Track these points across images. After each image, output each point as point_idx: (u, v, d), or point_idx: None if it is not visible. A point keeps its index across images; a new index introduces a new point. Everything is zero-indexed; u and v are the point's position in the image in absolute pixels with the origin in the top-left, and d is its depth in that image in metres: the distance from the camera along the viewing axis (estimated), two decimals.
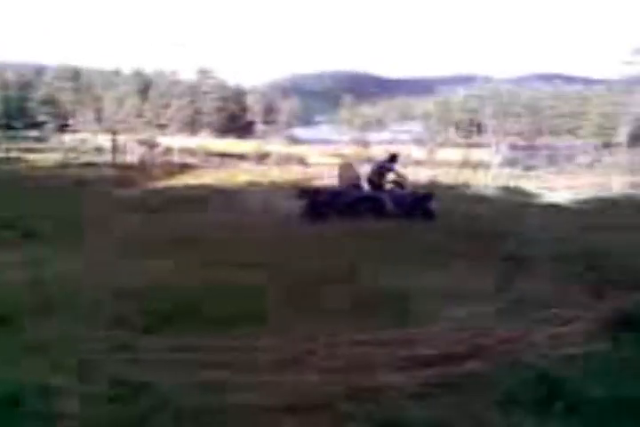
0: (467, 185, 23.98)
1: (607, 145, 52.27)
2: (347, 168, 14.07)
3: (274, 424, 3.88)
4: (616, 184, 26.61)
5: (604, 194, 22.49)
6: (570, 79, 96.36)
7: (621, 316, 6.33)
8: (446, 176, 27.37)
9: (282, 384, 4.56)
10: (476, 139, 71.63)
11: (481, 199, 18.90)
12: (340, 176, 13.72)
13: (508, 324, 6.23)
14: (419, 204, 12.99)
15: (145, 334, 5.65)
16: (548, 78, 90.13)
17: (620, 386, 4.25)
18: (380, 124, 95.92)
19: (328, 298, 6.79)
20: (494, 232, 11.28)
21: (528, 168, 36.22)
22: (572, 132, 67.38)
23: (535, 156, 44.48)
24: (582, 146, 53.01)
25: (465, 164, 38.77)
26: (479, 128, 77.34)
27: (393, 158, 13.76)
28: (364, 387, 4.54)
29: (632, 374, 4.52)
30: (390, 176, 13.46)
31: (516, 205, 17.77)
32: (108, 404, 4.02)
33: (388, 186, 13.38)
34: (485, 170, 32.28)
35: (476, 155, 46.50)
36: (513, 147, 48.61)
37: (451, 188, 22.47)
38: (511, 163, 39.16)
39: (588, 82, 78.63)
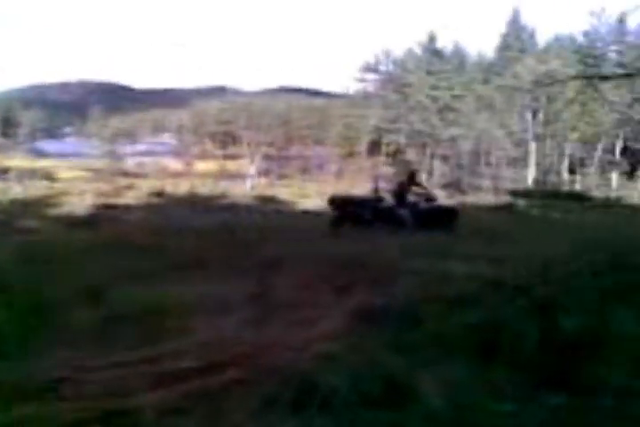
0: (225, 195, 24.28)
1: (351, 154, 56.77)
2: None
3: None
4: (361, 189, 28.94)
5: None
6: (314, 93, 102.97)
7: (366, 311, 6.96)
8: (204, 187, 27.42)
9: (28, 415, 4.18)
10: (231, 150, 72.96)
11: (239, 208, 19.28)
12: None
13: (262, 330, 6.45)
14: (441, 217, 12.62)
15: None
16: (294, 91, 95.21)
17: (362, 380, 4.59)
18: (132, 136, 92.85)
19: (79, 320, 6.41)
20: (250, 240, 11.62)
21: (282, 177, 37.87)
22: (319, 142, 71.71)
23: (288, 165, 46.80)
24: (330, 155, 56.98)
25: (222, 174, 39.27)
26: (234, 139, 79.07)
27: (412, 177, 13.16)
28: (117, 410, 4.34)
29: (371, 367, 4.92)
30: (416, 190, 13.03)
31: (272, 212, 18.45)
32: None
33: (414, 198, 12.89)
34: (242, 180, 33.07)
35: (233, 166, 47.40)
36: (267, 157, 50.63)
37: (209, 198, 22.58)
38: (266, 173, 40.74)
39: (330, 96, 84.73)
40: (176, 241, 10.97)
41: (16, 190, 24.68)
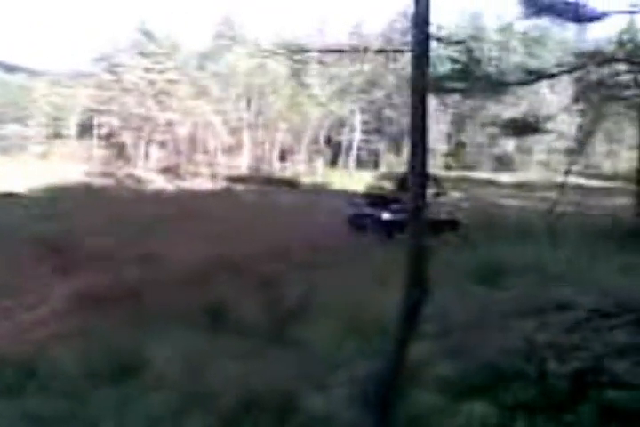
0: None
1: (58, 135, 52.76)
2: None
3: None
4: (70, 173, 27.18)
5: (59, 182, 22.70)
6: (11, 68, 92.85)
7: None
8: None
9: None
10: None
11: None
12: None
13: None
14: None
15: None
16: None
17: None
18: None
19: None
20: None
21: None
22: (20, 121, 65.32)
23: None
24: (33, 135, 52.24)
25: None
26: None
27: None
28: None
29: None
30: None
31: None
32: None
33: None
34: None
35: None
36: None
37: None
38: None
39: (32, 72, 77.38)
40: None
41: None
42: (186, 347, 4.84)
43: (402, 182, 12.05)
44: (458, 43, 12.52)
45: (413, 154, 3.36)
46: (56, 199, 16.67)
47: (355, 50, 14.02)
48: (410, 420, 3.16)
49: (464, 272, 7.15)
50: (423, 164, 3.35)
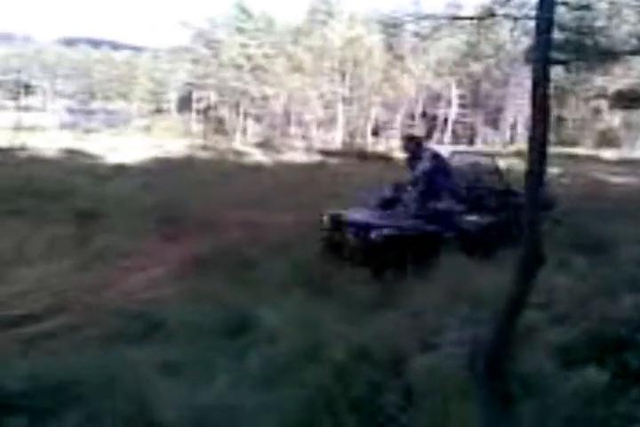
0: (24, 148, 22.30)
1: (159, 110, 54.85)
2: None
3: None
4: (172, 146, 28.27)
5: (163, 154, 23.66)
6: (118, 45, 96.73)
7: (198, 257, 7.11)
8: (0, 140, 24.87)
9: None
10: (24, 101, 66.78)
11: (44, 162, 17.95)
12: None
13: (90, 276, 6.32)
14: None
15: None
16: (96, 43, 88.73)
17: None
18: None
19: None
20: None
21: (87, 131, 35.59)
22: (123, 96, 68.23)
23: (93, 119, 44.05)
24: (136, 110, 54.60)
25: (18, 127, 35.87)
26: (27, 90, 72.29)
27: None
28: None
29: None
30: None
31: (84, 166, 17.46)
32: None
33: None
34: (43, 133, 30.56)
35: (29, 118, 43.49)
36: (70, 110, 47.17)
37: (9, 150, 20.66)
38: (70, 126, 38.05)
39: (136, 49, 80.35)
40: None
41: None
42: (294, 308, 5.08)
43: None
44: (583, 8, 11.79)
45: (534, 128, 3.34)
46: (161, 171, 17.45)
47: (479, 17, 13.35)
48: (520, 381, 3.25)
49: (566, 245, 7.01)
50: (544, 137, 3.34)
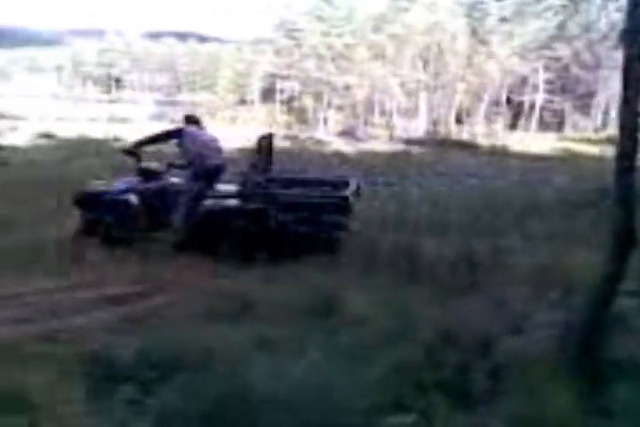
0: (117, 139, 23.40)
1: (242, 101, 55.96)
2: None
3: None
4: (256, 136, 28.79)
5: (248, 145, 24.14)
6: (203, 38, 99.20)
7: None
8: (95, 132, 26.19)
9: None
10: (116, 94, 69.73)
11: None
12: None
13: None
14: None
15: None
16: (182, 36, 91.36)
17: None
18: (5, 76, 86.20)
19: None
20: None
21: (174, 122, 36.77)
22: (208, 88, 69.93)
23: (179, 111, 45.42)
24: (220, 101, 55.92)
25: (111, 119, 37.59)
26: (118, 83, 75.44)
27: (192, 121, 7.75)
28: (57, 329, 4.42)
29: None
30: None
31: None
32: None
33: None
34: (132, 124, 31.92)
35: (120, 110, 45.44)
36: (157, 102, 48.99)
37: (103, 141, 21.75)
38: (157, 117, 39.52)
39: (220, 41, 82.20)
40: None
41: None
42: (381, 292, 5.18)
43: None
44: None
45: (625, 112, 3.28)
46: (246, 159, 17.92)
47: None
48: (612, 365, 3.22)
49: None
50: (635, 121, 3.27)
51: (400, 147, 27.36)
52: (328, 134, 34.55)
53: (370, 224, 8.06)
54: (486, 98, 41.02)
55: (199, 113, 36.77)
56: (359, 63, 41.05)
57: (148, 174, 7.41)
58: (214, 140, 7.59)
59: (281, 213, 6.96)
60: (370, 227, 7.93)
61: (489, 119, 41.54)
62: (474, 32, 42.57)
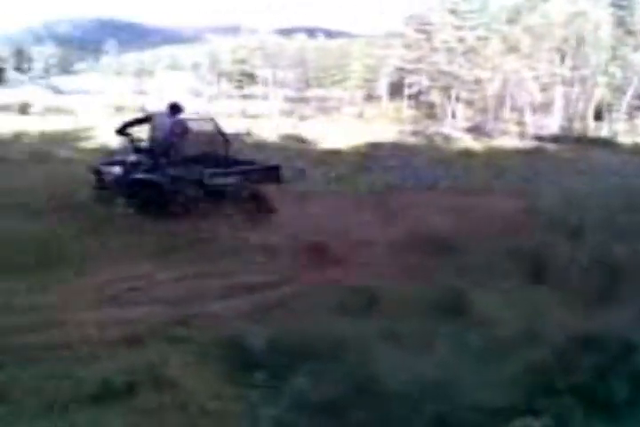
0: (249, 133, 24.24)
1: (370, 96, 56.04)
2: None
3: (113, 355, 3.85)
4: (383, 132, 28.79)
5: (373, 140, 24.23)
6: (332, 33, 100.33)
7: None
8: (227, 127, 27.29)
9: (113, 318, 4.53)
10: (248, 90, 72.16)
11: (266, 147, 19.44)
12: None
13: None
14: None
15: None
16: (311, 32, 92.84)
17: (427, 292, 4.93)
18: (148, 73, 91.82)
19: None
20: None
21: (303, 118, 37.60)
22: (336, 83, 70.59)
23: (308, 106, 46.46)
24: (348, 97, 56.40)
25: (243, 114, 39.02)
26: (251, 79, 77.99)
27: (175, 109, 9.28)
28: (195, 314, 4.68)
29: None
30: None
31: (302, 150, 18.60)
32: None
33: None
34: (264, 120, 32.93)
35: (252, 106, 47.05)
36: (287, 98, 50.27)
37: (236, 135, 22.61)
38: (287, 113, 40.56)
39: (349, 36, 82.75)
40: None
41: (42, 125, 24.62)
42: (506, 294, 5.06)
43: None
44: None
45: None
46: (372, 155, 18.03)
47: None
48: None
49: None
50: None
51: (533, 144, 26.30)
52: (456, 130, 33.82)
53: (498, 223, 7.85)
54: (630, 93, 38.27)
55: (327, 108, 37.44)
56: (491, 57, 39.77)
57: (138, 151, 9.21)
58: (172, 125, 9.06)
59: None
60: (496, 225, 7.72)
61: (631, 115, 38.81)
62: (620, 22, 39.79)
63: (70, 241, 6.58)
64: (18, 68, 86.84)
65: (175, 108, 9.23)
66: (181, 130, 9.05)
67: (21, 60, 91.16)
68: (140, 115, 10.17)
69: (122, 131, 9.22)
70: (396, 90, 51.06)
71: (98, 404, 3.21)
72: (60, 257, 6.05)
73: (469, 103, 42.62)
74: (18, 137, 20.04)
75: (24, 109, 33.39)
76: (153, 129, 9.17)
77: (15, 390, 3.30)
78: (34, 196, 8.64)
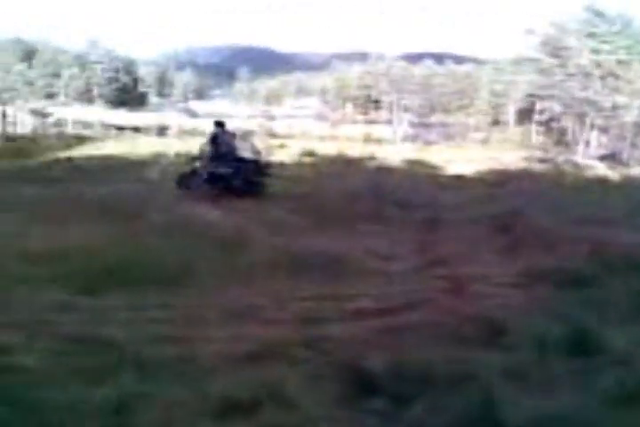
0: (372, 158, 24.34)
1: (496, 122, 54.75)
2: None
3: (234, 371, 3.87)
4: (509, 158, 27.92)
5: (498, 166, 23.53)
6: (460, 58, 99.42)
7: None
8: (352, 150, 27.60)
9: (237, 336, 4.59)
10: (372, 115, 72.86)
11: (390, 171, 19.39)
12: None
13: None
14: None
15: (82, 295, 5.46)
16: (439, 57, 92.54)
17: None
18: (277, 98, 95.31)
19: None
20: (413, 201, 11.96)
21: (427, 143, 37.34)
22: (462, 109, 69.75)
23: (432, 131, 46.12)
24: (473, 122, 55.42)
25: (367, 139, 39.37)
26: (376, 105, 78.72)
27: (222, 125, 13.30)
28: (316, 336, 4.64)
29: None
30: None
31: (426, 175, 18.42)
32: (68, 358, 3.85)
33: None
34: (387, 145, 33.02)
35: (376, 130, 47.39)
36: (410, 123, 50.20)
37: (359, 159, 22.84)
38: (411, 138, 40.47)
39: (477, 61, 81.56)
40: None
41: (177, 146, 26.10)
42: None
43: None
44: None
45: None
46: (498, 182, 17.44)
47: None
48: None
49: None
50: None
51: None
52: (588, 158, 32.13)
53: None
54: None
55: (451, 134, 37.14)
56: (632, 81, 37.56)
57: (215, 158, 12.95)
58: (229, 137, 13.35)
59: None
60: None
61: None
62: None
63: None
64: (160, 94, 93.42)
65: (221, 124, 13.28)
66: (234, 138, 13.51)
67: (163, 85, 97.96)
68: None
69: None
70: (523, 116, 49.50)
71: (223, 419, 3.23)
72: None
73: (604, 130, 40.38)
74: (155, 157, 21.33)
75: (162, 132, 35.75)
76: (218, 143, 12.98)
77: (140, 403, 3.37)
78: None
